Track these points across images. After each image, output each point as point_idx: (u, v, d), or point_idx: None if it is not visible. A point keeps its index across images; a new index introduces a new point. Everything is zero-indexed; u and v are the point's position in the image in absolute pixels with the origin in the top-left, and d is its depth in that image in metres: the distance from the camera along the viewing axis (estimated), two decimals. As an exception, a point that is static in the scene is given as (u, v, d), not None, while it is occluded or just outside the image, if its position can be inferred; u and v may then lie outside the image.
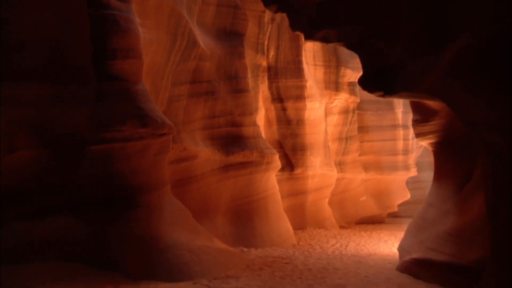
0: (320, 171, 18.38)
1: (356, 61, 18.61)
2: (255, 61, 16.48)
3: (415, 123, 10.69)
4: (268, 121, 18.45)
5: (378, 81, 8.16)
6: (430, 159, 16.45)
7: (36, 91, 8.18)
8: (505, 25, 5.00)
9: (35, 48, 8.24)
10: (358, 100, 20.66)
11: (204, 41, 13.15)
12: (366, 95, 17.68)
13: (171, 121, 9.98)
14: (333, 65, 20.11)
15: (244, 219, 13.79)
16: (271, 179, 15.02)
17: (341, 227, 19.56)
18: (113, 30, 8.62)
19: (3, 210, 8.05)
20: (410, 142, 21.82)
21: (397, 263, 10.56)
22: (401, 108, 21.84)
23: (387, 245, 14.82)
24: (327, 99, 20.01)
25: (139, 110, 8.69)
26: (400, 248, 10.85)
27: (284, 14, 10.39)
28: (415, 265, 9.32)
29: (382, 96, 8.34)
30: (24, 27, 8.18)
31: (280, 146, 17.98)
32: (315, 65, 19.96)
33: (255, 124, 14.73)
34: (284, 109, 18.29)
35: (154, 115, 8.88)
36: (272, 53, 18.22)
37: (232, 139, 13.79)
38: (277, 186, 15.45)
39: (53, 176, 8.32)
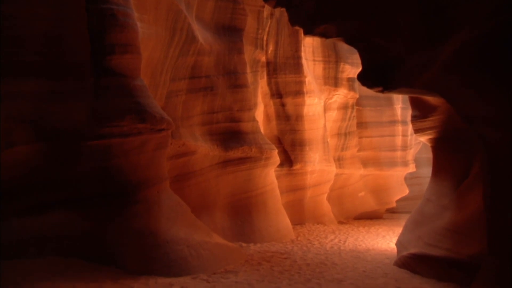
0: (319, 167, 18.41)
1: (356, 57, 18.58)
2: (254, 56, 16.43)
3: (414, 119, 10.69)
4: (267, 117, 18.43)
5: (377, 76, 8.16)
6: (428, 155, 16.48)
7: (34, 86, 8.14)
8: (505, 18, 4.98)
9: (33, 43, 8.19)
10: (357, 96, 20.66)
11: (203, 36, 13.10)
12: (365, 90, 17.70)
13: (170, 116, 9.96)
14: (332, 61, 20.08)
15: (243, 214, 13.83)
16: (270, 175, 15.04)
17: (340, 222, 19.62)
18: (111, 25, 8.57)
19: (1, 205, 8.04)
20: (409, 138, 21.85)
21: (395, 258, 10.60)
22: (400, 104, 21.85)
23: (385, 240, 14.88)
24: (326, 94, 20.00)
25: (138, 105, 8.66)
26: (398, 243, 10.90)
27: (283, 9, 10.35)
28: (413, 260, 9.37)
29: (381, 91, 8.34)
30: (22, 22, 8.12)
31: (279, 141, 17.99)
32: (314, 60, 19.93)
33: (254, 120, 14.71)
34: (283, 105, 18.27)
35: (153, 111, 8.86)
36: (271, 48, 18.16)
37: (231, 135, 13.79)
38: (276, 182, 15.47)
39: (51, 171, 8.30)
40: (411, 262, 9.44)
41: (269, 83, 18.31)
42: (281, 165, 16.61)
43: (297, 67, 18.21)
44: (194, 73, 12.86)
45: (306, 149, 18.02)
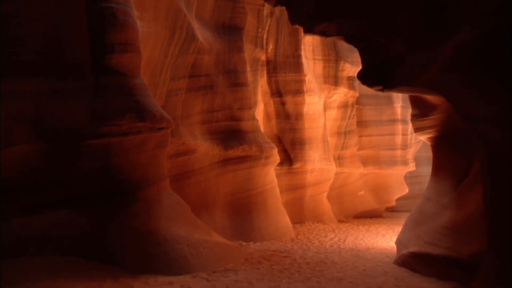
0: (318, 166, 18.41)
1: (356, 56, 18.57)
2: (254, 55, 16.41)
3: (414, 117, 10.69)
4: (267, 116, 18.43)
5: (377, 75, 8.15)
6: (428, 154, 16.47)
7: (34, 85, 8.14)
8: (505, 18, 4.98)
9: (33, 43, 8.19)
10: (357, 95, 20.65)
11: (203, 34, 13.08)
12: (365, 89, 17.70)
13: (170, 115, 9.96)
14: (332, 59, 20.06)
15: (243, 213, 13.84)
16: (270, 174, 15.05)
17: (340, 221, 19.65)
18: (111, 24, 8.57)
19: (1, 205, 8.05)
20: (409, 137, 21.85)
21: (395, 257, 10.62)
22: (400, 103, 21.84)
23: (385, 239, 14.90)
24: (326, 93, 19.99)
25: (137, 104, 8.66)
26: (398, 242, 10.92)
27: (283, 8, 10.34)
28: (413, 259, 9.38)
29: (381, 90, 8.34)
30: (22, 22, 8.12)
31: (279, 140, 17.98)
32: (314, 59, 19.90)
33: (254, 118, 14.71)
34: (283, 104, 18.26)
35: (153, 109, 8.86)
36: (271, 47, 18.14)
37: (231, 133, 13.79)
38: (275, 181, 15.48)
39: (51, 170, 8.31)
40: (410, 261, 9.46)
41: (269, 82, 18.29)
42: (281, 164, 16.62)
43: (297, 66, 18.19)
44: (194, 72, 12.85)
45: (306, 148, 18.02)
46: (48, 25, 8.26)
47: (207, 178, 13.12)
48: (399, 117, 21.72)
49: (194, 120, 12.91)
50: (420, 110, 10.38)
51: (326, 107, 19.87)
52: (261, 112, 17.71)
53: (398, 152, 21.52)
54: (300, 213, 17.91)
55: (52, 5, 8.31)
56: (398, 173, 21.68)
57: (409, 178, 22.99)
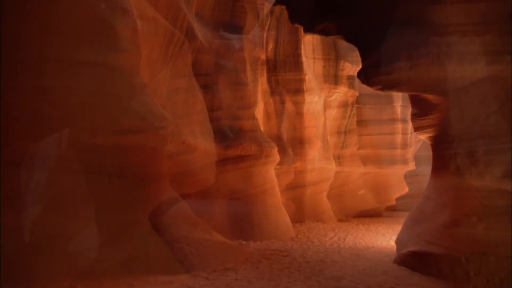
0: (318, 165, 18.42)
1: (355, 55, 18.55)
2: (254, 54, 16.41)
3: (414, 117, 10.68)
4: (267, 115, 18.43)
5: (377, 74, 8.16)
6: (428, 153, 16.44)
7: (34, 83, 8.14)
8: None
9: (32, 40, 8.18)
10: (357, 94, 20.65)
11: (202, 34, 13.09)
12: (365, 88, 17.70)
13: (170, 114, 9.95)
14: (332, 59, 20.06)
15: (243, 212, 13.85)
16: (270, 173, 15.06)
17: (339, 220, 19.66)
18: (110, 23, 8.55)
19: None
20: (409, 136, 21.86)
21: (395, 256, 10.63)
22: (400, 102, 21.84)
23: (384, 238, 14.91)
24: (326, 92, 19.99)
25: (137, 103, 8.66)
26: (398, 241, 10.92)
27: (283, 7, 10.35)
28: (412, 258, 9.39)
29: (381, 89, 8.34)
30: (22, 18, 8.12)
31: (278, 139, 17.99)
32: (314, 58, 19.90)
33: (253, 118, 14.72)
34: (283, 103, 18.27)
35: (152, 109, 8.86)
36: (271, 46, 18.13)
37: (231, 133, 13.80)
38: (275, 180, 15.48)
39: (52, 169, 8.29)
40: (410, 260, 9.46)
41: (269, 81, 18.29)
42: (280, 163, 16.63)
43: (297, 65, 18.19)
44: (194, 71, 12.86)
45: (306, 147, 18.02)
46: (47, 22, 8.25)
47: (206, 177, 13.13)
48: (399, 116, 21.73)
49: (194, 119, 12.91)
50: (420, 109, 10.37)
51: (326, 106, 19.88)
52: (261, 111, 17.71)
53: (398, 151, 21.53)
54: (300, 212, 17.92)
55: (53, 3, 8.29)
56: (398, 172, 21.69)
57: (409, 177, 23.00)
